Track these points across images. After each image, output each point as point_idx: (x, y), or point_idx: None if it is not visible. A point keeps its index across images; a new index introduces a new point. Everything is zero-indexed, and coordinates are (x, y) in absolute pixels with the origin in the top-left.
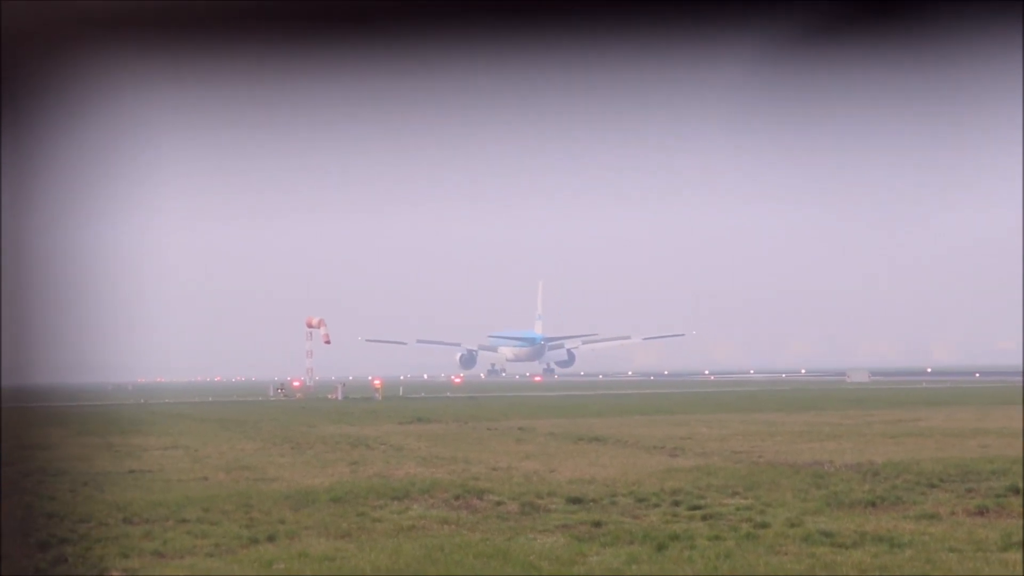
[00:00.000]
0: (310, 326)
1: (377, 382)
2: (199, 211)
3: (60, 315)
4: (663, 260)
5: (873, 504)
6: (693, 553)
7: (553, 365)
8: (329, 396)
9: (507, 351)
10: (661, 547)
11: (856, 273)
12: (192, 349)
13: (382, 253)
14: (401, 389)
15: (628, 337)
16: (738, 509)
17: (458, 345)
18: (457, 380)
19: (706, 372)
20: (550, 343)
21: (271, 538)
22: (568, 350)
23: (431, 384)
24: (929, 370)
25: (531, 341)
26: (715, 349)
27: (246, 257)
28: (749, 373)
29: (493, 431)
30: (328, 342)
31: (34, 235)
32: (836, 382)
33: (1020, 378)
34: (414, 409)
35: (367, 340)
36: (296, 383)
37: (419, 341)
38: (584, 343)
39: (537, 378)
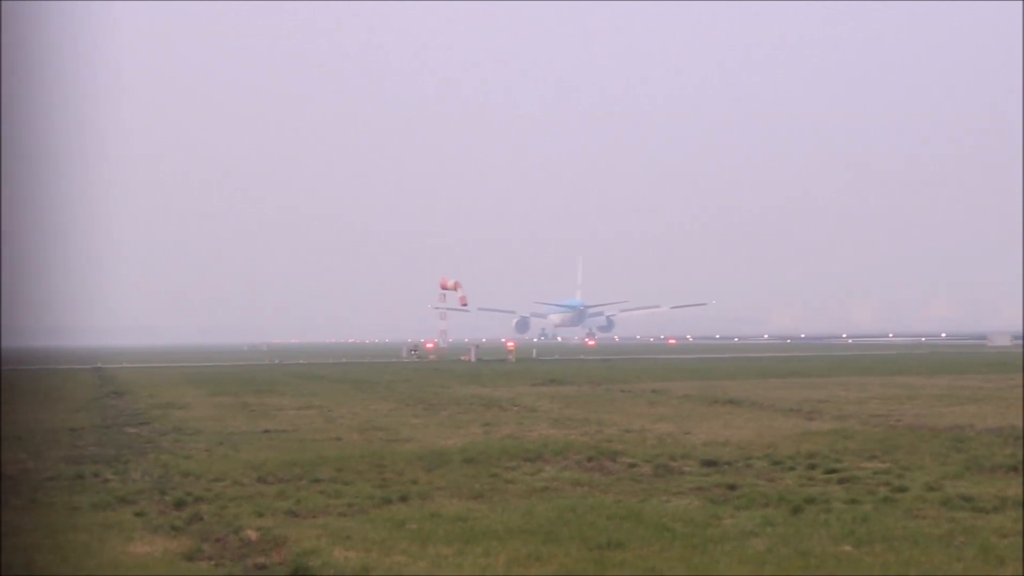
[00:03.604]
0: (444, 288)
1: (511, 344)
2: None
3: (198, 277)
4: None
5: (1015, 469)
6: (829, 516)
7: (595, 330)
8: (462, 358)
9: (554, 317)
10: (796, 510)
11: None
12: (326, 311)
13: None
14: (535, 351)
15: (658, 306)
16: (876, 473)
17: (514, 312)
18: (591, 343)
19: (844, 336)
20: (590, 310)
21: (404, 498)
22: (607, 316)
23: (564, 347)
24: None
25: (574, 308)
26: (853, 312)
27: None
28: (888, 337)
29: (627, 393)
30: (465, 304)
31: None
32: (977, 346)
33: None
34: (547, 371)
35: (434, 307)
36: (429, 345)
37: (480, 308)
38: (621, 311)
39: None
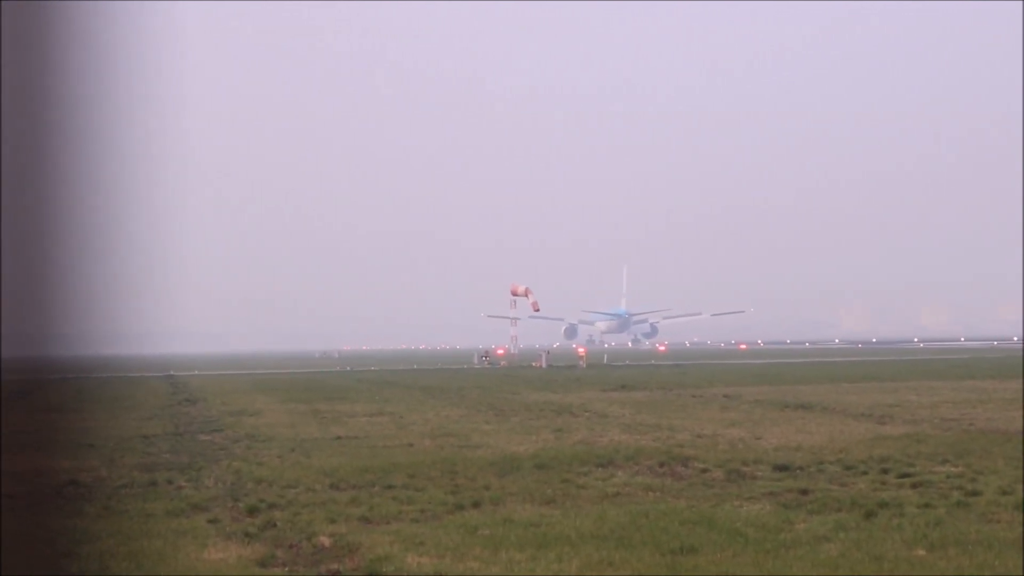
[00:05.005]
0: (515, 294)
1: (581, 350)
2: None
3: (267, 284)
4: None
5: None
6: (902, 521)
7: (640, 336)
8: (533, 364)
9: (601, 324)
10: (869, 515)
11: None
12: (396, 318)
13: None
14: (605, 357)
15: (699, 313)
16: (948, 477)
17: (562, 320)
18: (662, 348)
19: (915, 340)
20: (635, 317)
21: (476, 504)
22: (651, 323)
23: (635, 352)
24: None
25: (620, 315)
26: (923, 316)
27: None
28: (960, 341)
29: (698, 398)
30: (537, 310)
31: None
32: None
33: None
34: (618, 377)
35: (488, 316)
36: (500, 351)
37: (530, 316)
38: (664, 318)
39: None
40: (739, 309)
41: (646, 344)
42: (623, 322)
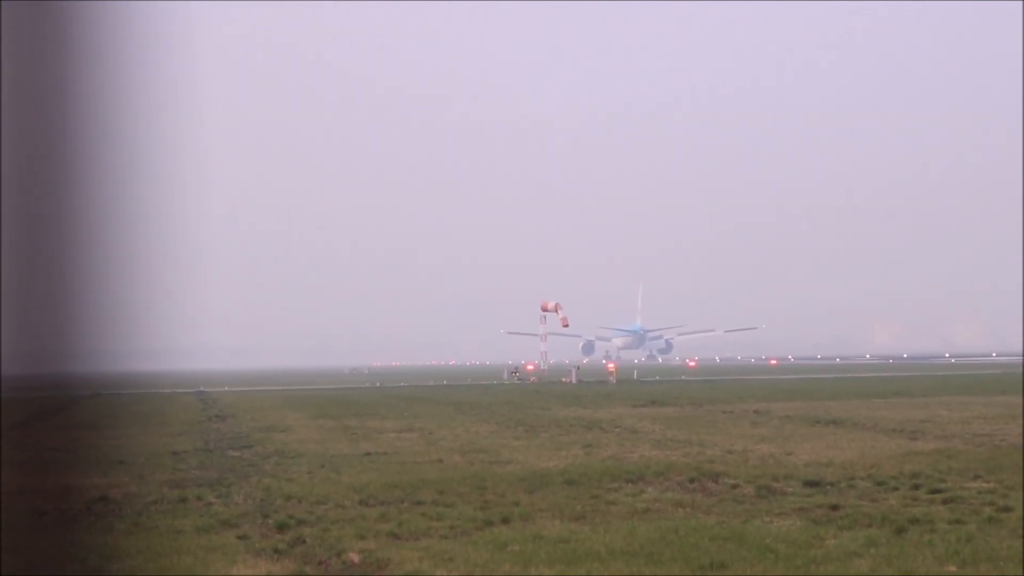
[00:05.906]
0: (545, 310)
1: (611, 366)
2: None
3: (294, 299)
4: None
5: None
6: (933, 537)
7: (655, 352)
8: (563, 380)
9: (618, 341)
10: (900, 530)
11: None
12: (426, 334)
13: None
14: (636, 372)
15: (712, 330)
16: (980, 493)
17: (580, 336)
18: (692, 364)
19: (947, 355)
20: (650, 334)
21: (505, 520)
22: (666, 340)
23: (665, 368)
24: None
25: (636, 332)
26: (955, 331)
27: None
28: (991, 356)
29: (728, 414)
30: (567, 325)
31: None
32: None
33: None
34: (648, 392)
35: (508, 332)
36: (530, 367)
37: (549, 333)
38: (679, 334)
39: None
40: (752, 326)
41: (676, 360)
42: (639, 338)
